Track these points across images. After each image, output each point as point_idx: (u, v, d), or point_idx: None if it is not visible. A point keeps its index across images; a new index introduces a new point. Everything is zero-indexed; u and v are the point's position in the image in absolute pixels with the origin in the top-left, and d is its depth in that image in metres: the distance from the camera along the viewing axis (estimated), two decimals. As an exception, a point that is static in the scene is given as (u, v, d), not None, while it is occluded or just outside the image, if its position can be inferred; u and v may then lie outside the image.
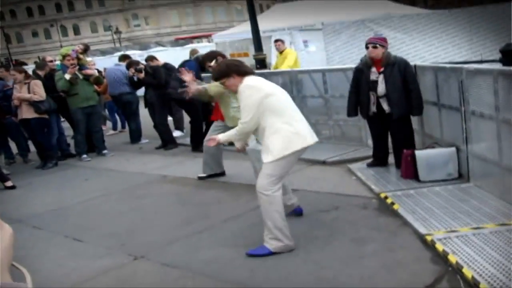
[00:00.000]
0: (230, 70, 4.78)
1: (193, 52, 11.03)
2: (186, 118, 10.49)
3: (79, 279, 4.77)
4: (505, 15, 11.49)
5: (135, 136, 11.60)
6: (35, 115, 9.63)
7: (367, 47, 6.57)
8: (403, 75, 6.40)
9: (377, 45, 6.45)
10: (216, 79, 5.05)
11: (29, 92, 9.53)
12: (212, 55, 7.31)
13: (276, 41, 11.62)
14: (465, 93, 5.69)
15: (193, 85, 6.72)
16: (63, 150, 10.85)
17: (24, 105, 9.60)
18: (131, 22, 73.02)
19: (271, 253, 4.65)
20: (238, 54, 15.55)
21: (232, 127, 5.31)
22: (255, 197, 4.76)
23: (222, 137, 5.00)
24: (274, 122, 4.57)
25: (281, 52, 11.39)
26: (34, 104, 9.54)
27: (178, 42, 40.60)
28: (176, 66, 10.03)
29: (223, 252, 4.89)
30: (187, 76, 6.77)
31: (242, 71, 4.78)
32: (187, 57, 10.92)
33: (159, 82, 10.00)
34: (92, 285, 4.63)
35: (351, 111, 6.97)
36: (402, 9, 14.59)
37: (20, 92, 9.57)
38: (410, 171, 6.27)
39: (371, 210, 5.61)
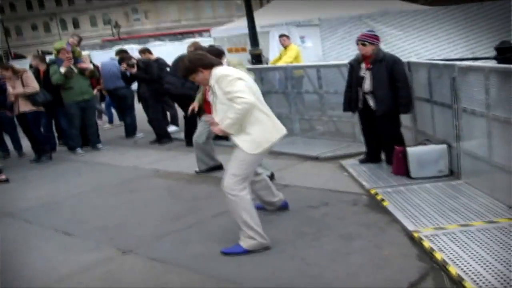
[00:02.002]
0: (195, 65, 4.64)
1: (195, 45, 10.81)
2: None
3: (67, 273, 4.76)
4: (502, 12, 11.44)
5: (130, 130, 11.59)
6: (32, 108, 9.64)
7: (357, 44, 6.59)
8: (390, 72, 6.40)
9: (366, 43, 6.46)
10: (184, 76, 4.90)
11: (23, 86, 9.53)
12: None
13: (280, 36, 11.60)
14: (457, 90, 5.68)
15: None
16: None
17: (20, 100, 9.59)
18: (131, 16, 72.86)
19: (246, 252, 4.63)
20: (236, 49, 15.51)
21: None
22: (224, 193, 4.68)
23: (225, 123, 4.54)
24: (253, 111, 4.49)
25: (285, 47, 11.38)
26: (30, 97, 9.54)
27: (176, 37, 40.60)
28: (171, 61, 10.00)
29: (211, 247, 4.88)
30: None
31: (208, 64, 4.63)
32: (185, 51, 10.80)
33: (152, 77, 9.98)
34: (80, 279, 4.62)
35: (346, 106, 6.99)
36: (399, 5, 14.48)
37: (14, 87, 9.55)
38: (401, 168, 6.27)
39: (361, 206, 5.60)
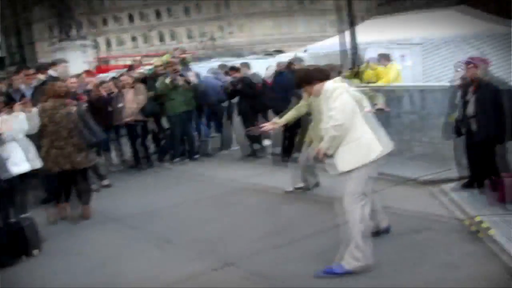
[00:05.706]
0: (311, 76, 4.84)
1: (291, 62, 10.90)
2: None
3: (169, 281, 4.92)
4: None
5: (227, 142, 11.80)
6: (137, 118, 10.02)
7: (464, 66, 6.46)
8: (494, 97, 6.19)
9: (472, 64, 6.30)
10: (297, 86, 5.16)
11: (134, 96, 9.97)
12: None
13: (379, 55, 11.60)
14: None
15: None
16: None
17: (128, 110, 10.01)
18: (225, 29, 74.36)
19: (347, 272, 4.60)
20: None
21: None
22: (343, 212, 4.74)
23: (323, 144, 4.75)
24: (354, 130, 4.57)
25: (385, 67, 11.33)
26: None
27: (268, 52, 40.93)
28: (263, 76, 10.20)
29: (310, 266, 4.88)
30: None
31: (324, 76, 4.82)
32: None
33: (254, 93, 10.18)
34: (184, 288, 4.77)
35: (445, 133, 6.88)
36: (505, 27, 13.97)
37: (126, 96, 10.02)
38: (509, 196, 6.02)
39: (465, 233, 5.43)
